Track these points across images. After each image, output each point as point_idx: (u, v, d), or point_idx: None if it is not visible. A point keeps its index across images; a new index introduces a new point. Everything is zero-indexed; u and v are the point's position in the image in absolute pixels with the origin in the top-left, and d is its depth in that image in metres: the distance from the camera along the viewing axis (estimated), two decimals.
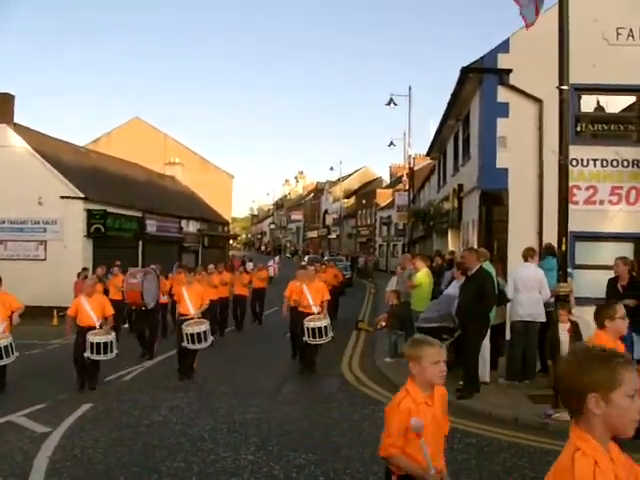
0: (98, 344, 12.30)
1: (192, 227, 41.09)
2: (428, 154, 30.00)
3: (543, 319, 11.68)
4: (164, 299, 18.59)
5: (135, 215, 32.25)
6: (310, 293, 14.08)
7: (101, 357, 12.39)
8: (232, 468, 7.58)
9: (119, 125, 57.88)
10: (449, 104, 18.89)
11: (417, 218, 35.27)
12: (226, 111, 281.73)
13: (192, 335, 13.30)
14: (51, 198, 27.03)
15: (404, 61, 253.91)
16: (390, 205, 59.13)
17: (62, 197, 27.12)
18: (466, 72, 15.61)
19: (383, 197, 66.29)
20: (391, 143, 45.90)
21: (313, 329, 13.61)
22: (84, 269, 22.22)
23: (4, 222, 27.59)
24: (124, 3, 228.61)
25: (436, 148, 26.76)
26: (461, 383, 10.94)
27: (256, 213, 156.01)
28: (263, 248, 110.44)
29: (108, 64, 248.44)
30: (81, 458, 8.03)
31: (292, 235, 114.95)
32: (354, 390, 12.07)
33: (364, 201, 74.05)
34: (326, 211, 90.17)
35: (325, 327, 13.74)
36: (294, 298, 14.48)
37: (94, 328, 12.43)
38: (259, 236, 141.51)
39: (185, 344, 13.26)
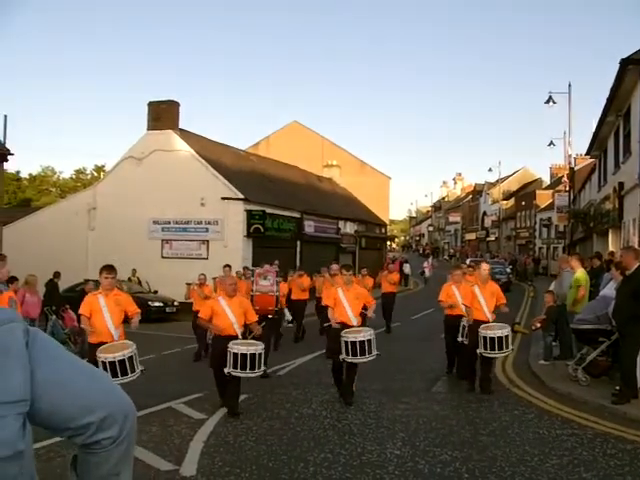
0: (244, 356, 9.76)
1: (349, 228, 41.54)
2: (588, 152, 28.98)
3: None
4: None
5: (293, 216, 33.07)
6: (484, 297, 12.04)
7: (247, 373, 9.92)
8: (378, 461, 7.69)
9: (278, 129, 59.47)
10: (608, 99, 18.17)
11: (577, 219, 34.20)
12: (384, 114, 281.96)
13: (353, 344, 10.64)
14: (213, 199, 28.32)
15: (563, 58, 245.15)
16: (550, 206, 57.56)
17: (223, 198, 28.32)
18: (626, 64, 14.93)
19: (543, 198, 64.64)
20: (551, 143, 44.47)
21: (492, 339, 11.38)
22: (245, 268, 21.58)
23: (170, 222, 29.17)
24: (283, 4, 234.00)
25: (596, 146, 25.81)
26: (618, 388, 10.55)
27: (414, 215, 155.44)
28: (421, 250, 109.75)
29: (268, 70, 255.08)
30: (233, 444, 8.43)
31: (450, 237, 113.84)
32: (506, 391, 11.87)
33: (523, 202, 72.42)
34: (484, 213, 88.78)
35: (506, 337, 11.50)
36: (451, 303, 13.26)
37: (235, 338, 10.11)
38: (417, 238, 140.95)
39: (344, 356, 10.74)
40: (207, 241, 28.80)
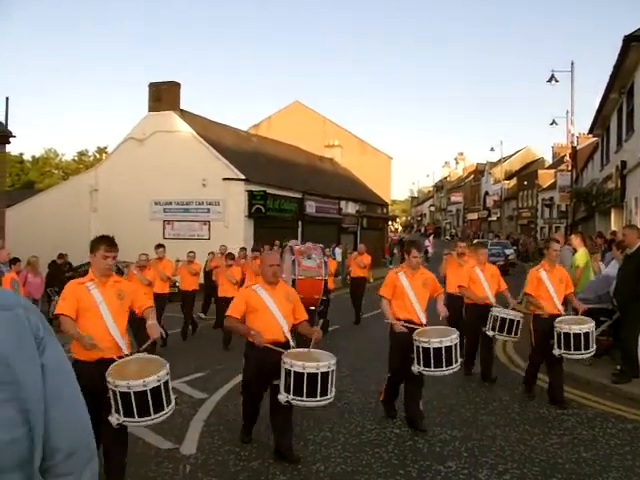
0: (313, 377, 6.43)
1: (351, 208, 41.53)
2: (590, 131, 28.89)
3: None
4: None
5: (295, 196, 33.04)
6: (553, 284, 9.55)
7: (318, 402, 6.63)
8: (377, 440, 7.71)
9: (280, 109, 59.12)
10: (612, 76, 18.03)
11: (579, 199, 34.07)
12: (385, 94, 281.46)
13: (436, 351, 7.86)
14: (214, 180, 28.37)
15: (566, 36, 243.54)
16: (552, 186, 57.56)
17: (224, 179, 28.35)
18: (629, 41, 14.79)
19: (545, 178, 64.69)
20: (553, 122, 44.13)
21: (577, 335, 8.87)
22: (242, 249, 19.98)
23: (171, 203, 29.26)
24: None
25: (599, 124, 25.67)
26: (618, 367, 10.53)
27: (416, 195, 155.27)
28: (422, 230, 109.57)
29: (269, 49, 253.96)
30: (233, 423, 8.38)
31: (452, 217, 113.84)
32: (506, 371, 11.85)
33: (525, 182, 72.43)
34: (486, 193, 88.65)
35: (592, 333, 9.04)
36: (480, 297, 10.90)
37: (286, 347, 6.90)
38: (419, 218, 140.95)
39: (419, 368, 7.97)
40: (209, 222, 28.86)
